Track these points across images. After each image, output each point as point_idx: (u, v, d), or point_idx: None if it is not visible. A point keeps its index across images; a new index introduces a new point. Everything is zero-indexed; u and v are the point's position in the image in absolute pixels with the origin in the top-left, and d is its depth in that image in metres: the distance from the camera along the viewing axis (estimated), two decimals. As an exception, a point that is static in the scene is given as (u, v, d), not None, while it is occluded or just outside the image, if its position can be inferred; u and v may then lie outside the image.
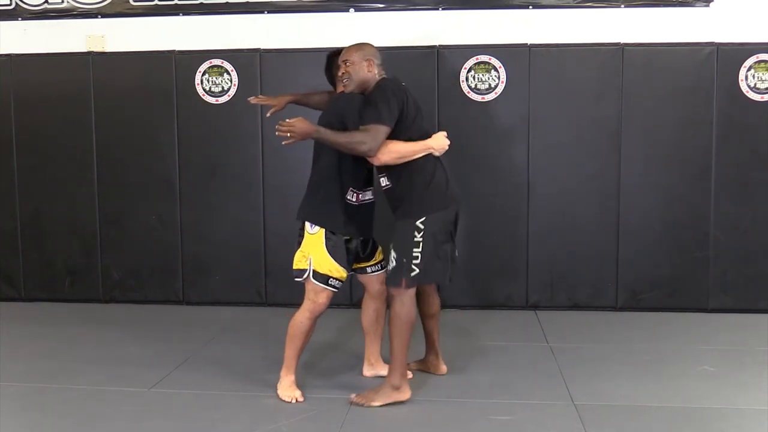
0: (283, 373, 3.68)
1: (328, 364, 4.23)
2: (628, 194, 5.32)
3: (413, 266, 3.46)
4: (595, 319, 5.21)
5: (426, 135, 3.57)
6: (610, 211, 5.36)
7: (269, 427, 3.29)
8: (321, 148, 3.64)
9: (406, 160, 3.49)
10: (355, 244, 3.67)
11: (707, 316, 5.29)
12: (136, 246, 5.71)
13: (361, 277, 3.86)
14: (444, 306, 5.49)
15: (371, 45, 3.74)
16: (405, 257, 3.47)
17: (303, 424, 3.34)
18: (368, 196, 3.70)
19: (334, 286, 3.59)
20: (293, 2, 5.55)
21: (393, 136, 3.44)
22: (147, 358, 4.34)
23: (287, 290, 5.59)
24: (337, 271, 3.57)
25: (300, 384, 3.75)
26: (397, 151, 3.46)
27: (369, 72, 3.61)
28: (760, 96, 5.23)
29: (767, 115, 5.23)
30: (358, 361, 4.07)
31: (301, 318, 3.62)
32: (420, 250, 3.45)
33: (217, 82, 5.53)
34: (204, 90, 5.54)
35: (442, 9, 5.47)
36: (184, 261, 5.68)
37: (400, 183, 3.54)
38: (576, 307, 5.41)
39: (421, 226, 3.45)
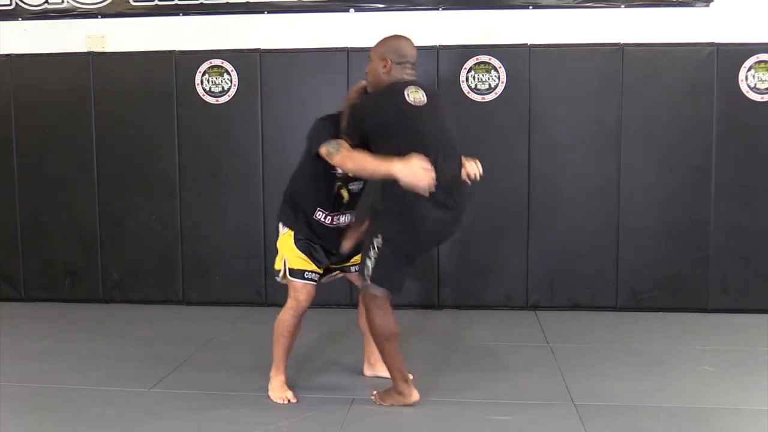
0: (272, 373, 3.69)
1: (328, 364, 4.23)
2: (628, 194, 5.32)
3: (370, 262, 3.35)
4: (595, 319, 5.21)
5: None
6: (610, 211, 5.36)
7: (269, 427, 3.29)
8: (303, 159, 3.61)
9: (365, 176, 3.37)
10: (320, 248, 3.64)
11: (707, 316, 5.29)
12: (136, 246, 5.71)
13: (349, 277, 3.84)
14: (444, 306, 5.52)
15: (398, 39, 3.47)
16: (366, 255, 3.37)
17: (303, 424, 3.34)
18: (343, 220, 3.63)
19: (311, 279, 3.59)
20: (293, 2, 5.55)
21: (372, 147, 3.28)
22: (147, 358, 4.34)
23: (287, 290, 5.60)
24: (309, 264, 3.58)
25: (300, 384, 3.75)
26: (359, 164, 3.25)
27: (384, 73, 3.38)
28: (760, 96, 5.23)
29: (767, 115, 5.24)
30: (358, 360, 4.07)
31: (285, 316, 3.62)
32: (376, 255, 3.32)
33: (217, 82, 5.53)
34: (204, 90, 5.54)
35: (442, 9, 5.47)
36: (184, 261, 5.68)
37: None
38: (576, 307, 5.41)
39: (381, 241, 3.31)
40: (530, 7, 5.40)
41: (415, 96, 3.28)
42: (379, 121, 3.26)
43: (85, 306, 5.69)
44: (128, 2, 5.64)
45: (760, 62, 5.21)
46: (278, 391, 3.63)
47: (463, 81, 5.35)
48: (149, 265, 5.72)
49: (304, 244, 3.58)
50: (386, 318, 3.42)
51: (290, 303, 3.62)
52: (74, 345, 4.68)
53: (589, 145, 5.34)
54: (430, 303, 5.52)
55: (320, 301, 5.55)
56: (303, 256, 3.56)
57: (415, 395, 3.50)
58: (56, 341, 4.75)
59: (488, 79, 5.33)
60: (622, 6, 5.36)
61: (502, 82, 5.31)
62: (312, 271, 3.58)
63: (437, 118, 3.32)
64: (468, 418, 3.43)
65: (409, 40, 3.46)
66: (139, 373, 4.04)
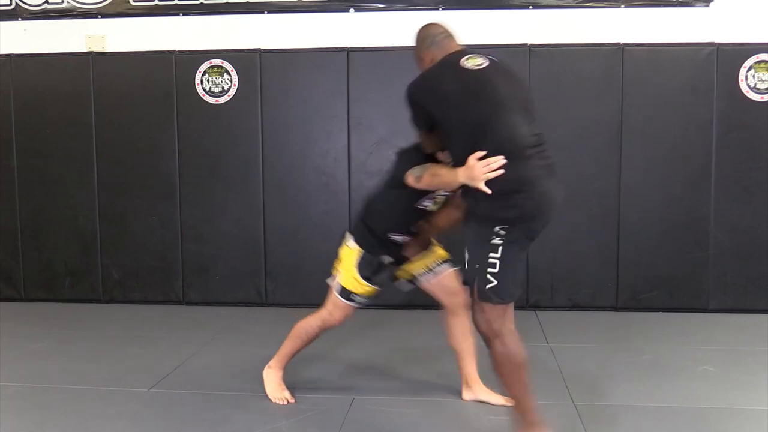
0: (272, 363, 3.63)
1: (328, 364, 4.22)
2: (628, 194, 5.32)
3: (489, 276, 2.78)
4: (595, 320, 5.21)
5: (487, 123, 2.76)
6: (610, 211, 5.36)
7: (268, 427, 3.29)
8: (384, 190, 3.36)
9: (435, 187, 3.09)
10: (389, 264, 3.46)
11: (707, 316, 5.29)
12: (136, 246, 5.71)
13: (423, 288, 3.59)
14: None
15: (421, 30, 3.18)
16: (478, 258, 2.80)
17: (303, 425, 3.33)
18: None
19: (355, 301, 3.42)
20: (293, 2, 5.55)
21: (445, 136, 2.89)
22: (147, 358, 4.34)
23: (287, 290, 5.61)
24: (362, 286, 3.38)
25: (300, 384, 3.75)
26: (439, 178, 2.97)
27: (429, 64, 3.03)
28: (760, 96, 5.23)
29: (767, 115, 5.24)
30: (358, 359, 4.06)
31: (312, 323, 3.50)
32: (498, 256, 2.76)
33: (217, 82, 5.53)
34: (204, 90, 5.54)
35: (442, 9, 5.47)
36: (184, 261, 5.68)
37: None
38: (576, 307, 5.41)
39: (502, 232, 2.76)
40: (530, 7, 5.40)
41: (474, 61, 2.89)
42: (440, 93, 2.83)
43: (85, 306, 5.69)
44: (128, 2, 5.64)
45: (760, 62, 5.22)
46: (276, 390, 3.58)
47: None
48: (149, 265, 5.72)
49: (367, 263, 3.36)
50: (512, 341, 2.87)
51: (323, 313, 3.48)
52: (74, 345, 4.68)
53: (589, 145, 5.34)
54: (429, 303, 5.51)
55: (320, 301, 5.57)
56: (360, 279, 3.36)
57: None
58: (56, 341, 4.75)
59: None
60: (622, 6, 5.36)
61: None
62: (362, 296, 3.41)
63: (507, 77, 2.91)
64: (468, 417, 3.43)
65: (430, 23, 3.19)
66: (139, 373, 4.04)
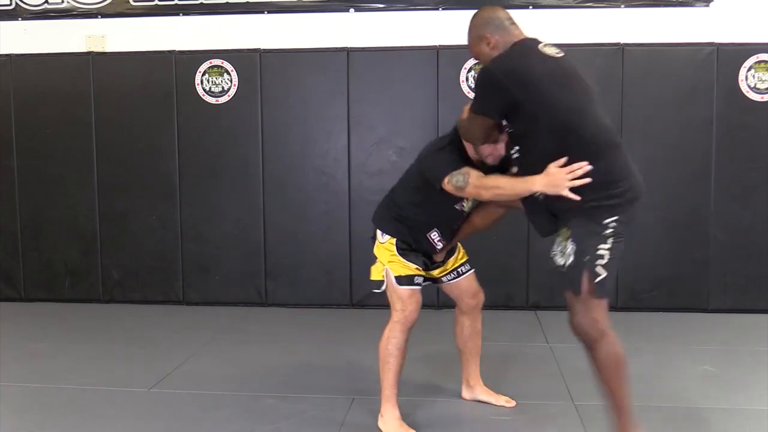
0: (384, 408, 3.25)
1: (328, 364, 4.22)
2: (628, 194, 5.31)
3: (598, 269, 2.69)
4: (595, 319, 5.19)
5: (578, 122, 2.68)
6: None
7: (268, 427, 3.29)
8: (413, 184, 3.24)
9: (503, 200, 3.01)
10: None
11: (707, 316, 5.29)
12: (136, 246, 5.71)
13: (444, 288, 3.53)
14: (444, 306, 5.51)
15: (482, 12, 2.96)
16: (589, 250, 2.69)
17: (302, 425, 3.33)
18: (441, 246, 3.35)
19: (420, 284, 3.25)
20: (293, 2, 5.55)
21: (527, 129, 2.72)
22: (147, 359, 4.34)
23: (287, 290, 5.61)
24: (417, 270, 3.25)
25: (300, 384, 3.75)
26: (495, 190, 2.90)
27: (494, 48, 2.83)
28: (760, 96, 5.23)
29: (767, 115, 5.24)
30: (357, 360, 4.06)
31: (393, 333, 3.20)
32: (609, 247, 2.68)
33: (217, 82, 5.53)
34: (204, 90, 5.54)
35: (442, 9, 5.47)
36: (184, 261, 5.68)
37: None
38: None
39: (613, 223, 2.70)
40: (530, 7, 5.40)
41: (552, 49, 2.80)
42: (530, 76, 2.66)
43: (85, 306, 5.69)
44: (128, 2, 5.64)
45: (760, 62, 5.22)
46: (395, 428, 3.21)
47: (463, 81, 5.34)
48: (149, 265, 5.72)
49: (407, 251, 3.24)
50: (616, 340, 2.75)
51: (397, 316, 3.21)
52: (74, 345, 4.68)
53: (589, 145, 5.33)
54: (430, 303, 5.51)
55: (320, 301, 5.58)
56: (408, 263, 3.22)
57: None
58: (56, 341, 4.75)
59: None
60: (622, 6, 5.36)
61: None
62: (420, 276, 3.25)
63: (578, 69, 2.83)
64: (469, 417, 3.43)
65: (493, 7, 2.98)
66: (139, 374, 4.04)
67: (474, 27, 2.91)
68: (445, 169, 3.01)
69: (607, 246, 2.68)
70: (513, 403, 3.54)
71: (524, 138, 2.77)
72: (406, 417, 3.32)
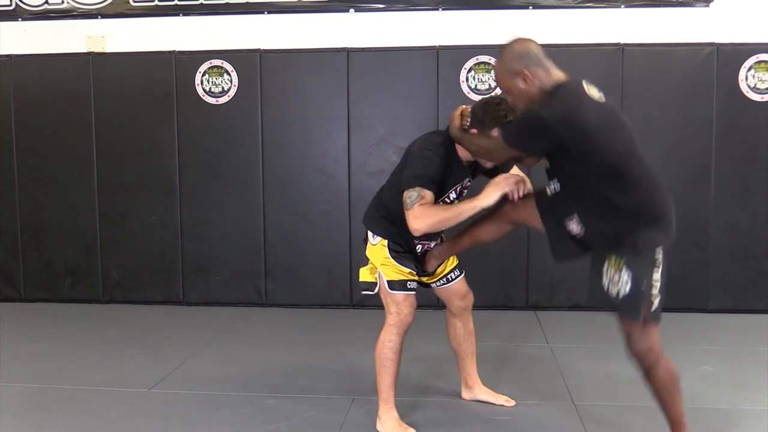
0: (382, 410, 3.25)
1: (328, 364, 4.22)
2: (628, 194, 5.31)
3: (653, 297, 2.81)
4: (595, 320, 5.16)
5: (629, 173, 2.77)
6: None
7: (268, 427, 3.29)
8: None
9: (448, 226, 3.03)
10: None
11: (707, 316, 5.30)
12: (136, 246, 5.71)
13: (434, 291, 3.53)
14: (444, 306, 5.52)
15: (514, 45, 2.84)
16: (645, 278, 2.79)
17: (302, 425, 3.34)
18: (433, 245, 3.38)
19: (413, 289, 3.24)
20: (293, 2, 5.55)
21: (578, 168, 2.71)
22: (147, 359, 4.34)
23: (287, 290, 5.62)
24: (411, 274, 3.24)
25: (300, 385, 3.75)
26: (434, 222, 2.96)
27: (530, 85, 2.74)
28: (760, 96, 5.23)
29: (767, 115, 5.24)
30: (356, 360, 4.06)
31: (388, 336, 3.20)
32: (659, 276, 2.83)
33: (217, 83, 5.53)
34: (204, 90, 5.54)
35: (442, 9, 5.47)
36: (184, 261, 5.68)
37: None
38: (576, 307, 5.40)
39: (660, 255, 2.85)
40: (530, 8, 5.40)
41: (595, 92, 2.76)
42: (583, 127, 2.61)
43: (85, 306, 5.69)
44: (128, 2, 5.64)
45: (760, 62, 5.22)
46: (395, 429, 3.22)
47: (463, 81, 5.35)
48: (149, 266, 5.72)
49: (399, 254, 3.23)
50: (670, 361, 2.89)
51: (392, 320, 3.21)
52: (74, 345, 4.68)
53: (589, 145, 5.33)
54: (430, 303, 5.52)
55: (320, 301, 5.58)
56: (401, 266, 3.21)
57: None
58: (56, 341, 4.75)
59: (488, 79, 5.33)
60: (622, 6, 5.36)
61: (503, 83, 5.31)
62: (414, 281, 3.25)
63: (619, 113, 2.86)
64: (468, 418, 3.43)
65: (524, 38, 2.88)
66: (139, 374, 4.04)
67: (507, 60, 2.79)
68: (413, 181, 3.00)
69: (658, 274, 2.82)
70: (513, 403, 3.54)
71: (565, 173, 2.79)
72: (404, 417, 3.32)
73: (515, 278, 5.47)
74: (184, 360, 4.30)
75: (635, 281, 2.75)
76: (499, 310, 5.45)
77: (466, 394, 3.63)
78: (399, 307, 3.20)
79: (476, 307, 5.48)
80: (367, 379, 3.92)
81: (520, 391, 3.71)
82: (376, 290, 3.27)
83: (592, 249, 2.88)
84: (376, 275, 3.25)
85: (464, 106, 3.15)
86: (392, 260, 3.21)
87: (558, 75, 2.80)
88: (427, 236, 3.23)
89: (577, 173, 2.73)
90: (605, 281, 2.80)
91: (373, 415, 3.35)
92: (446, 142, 3.12)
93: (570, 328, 4.98)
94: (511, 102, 2.92)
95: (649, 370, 2.85)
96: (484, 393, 3.59)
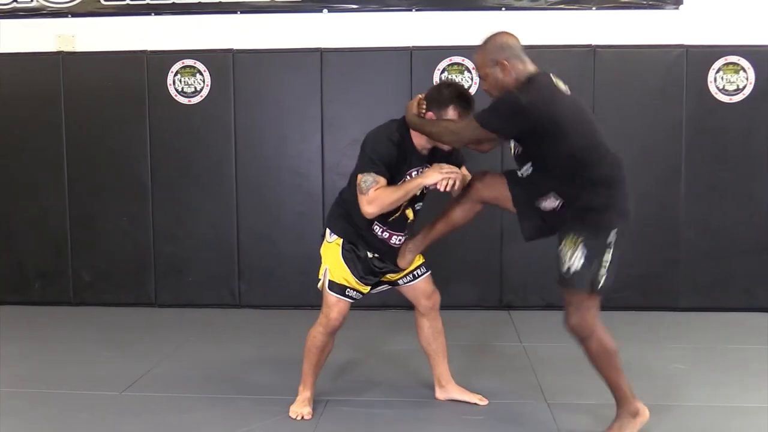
0: (300, 388, 3.48)
1: (301, 365, 4.20)
2: (599, 195, 5.36)
3: (601, 274, 3.00)
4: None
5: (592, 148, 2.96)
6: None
7: (243, 429, 3.28)
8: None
9: (396, 205, 3.17)
10: (374, 260, 3.37)
11: (677, 315, 5.36)
12: (108, 248, 5.65)
13: (400, 290, 3.55)
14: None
15: (496, 37, 3.07)
16: (596, 258, 2.96)
17: (276, 427, 3.32)
18: (401, 240, 3.38)
19: (351, 297, 3.33)
20: (266, 2, 5.53)
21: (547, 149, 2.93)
22: (119, 361, 4.30)
23: (261, 291, 5.59)
24: (352, 282, 3.31)
25: (275, 385, 3.74)
26: (384, 203, 3.10)
27: (507, 76, 2.99)
28: (728, 98, 5.31)
29: (736, 116, 5.31)
30: (334, 362, 4.04)
31: (314, 333, 3.39)
32: (610, 255, 2.98)
33: (189, 83, 5.49)
34: (176, 90, 5.50)
35: (416, 10, 5.49)
36: (157, 262, 5.63)
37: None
38: (549, 307, 5.43)
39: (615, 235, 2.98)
40: (503, 9, 5.43)
41: (562, 85, 3.02)
42: (556, 116, 2.87)
43: (55, 309, 5.61)
44: (99, 1, 5.58)
45: (728, 64, 5.29)
46: (298, 405, 3.43)
47: (436, 82, 5.36)
48: (121, 267, 5.66)
49: (352, 257, 3.30)
50: (606, 334, 3.08)
51: (321, 319, 3.37)
52: (44, 348, 4.62)
53: (562, 146, 5.37)
54: (404, 303, 5.52)
55: (294, 302, 5.56)
56: (348, 271, 3.29)
57: (646, 410, 3.12)
58: (26, 344, 4.68)
59: (461, 80, 5.35)
60: (594, 8, 5.41)
61: (475, 83, 5.33)
62: (354, 290, 3.32)
63: (584, 105, 3.12)
64: (442, 417, 3.44)
65: (505, 32, 3.11)
66: (111, 376, 3.99)
67: (489, 50, 3.03)
68: (368, 166, 3.12)
69: (609, 254, 2.97)
70: (486, 401, 3.56)
71: (539, 158, 2.99)
72: (379, 417, 3.37)
73: (488, 278, 5.50)
74: (156, 362, 4.26)
75: (587, 260, 2.94)
76: (472, 309, 5.47)
77: (439, 394, 3.64)
78: (329, 309, 3.33)
79: (449, 306, 5.51)
80: (341, 380, 3.93)
81: (494, 390, 3.73)
82: (319, 285, 3.37)
83: (558, 228, 3.05)
84: (323, 271, 3.34)
85: (419, 95, 3.24)
86: (343, 263, 3.30)
87: (532, 68, 3.04)
88: (397, 225, 3.31)
89: (548, 155, 2.95)
90: (560, 257, 3.00)
91: (347, 416, 3.39)
92: (401, 128, 3.21)
93: (543, 327, 5.00)
94: (484, 87, 3.10)
95: (582, 342, 3.08)
96: (457, 392, 3.61)
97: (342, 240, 3.30)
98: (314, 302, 5.40)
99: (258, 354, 4.47)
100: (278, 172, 5.55)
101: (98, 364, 4.27)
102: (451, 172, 3.11)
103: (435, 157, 3.27)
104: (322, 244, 3.41)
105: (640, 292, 5.44)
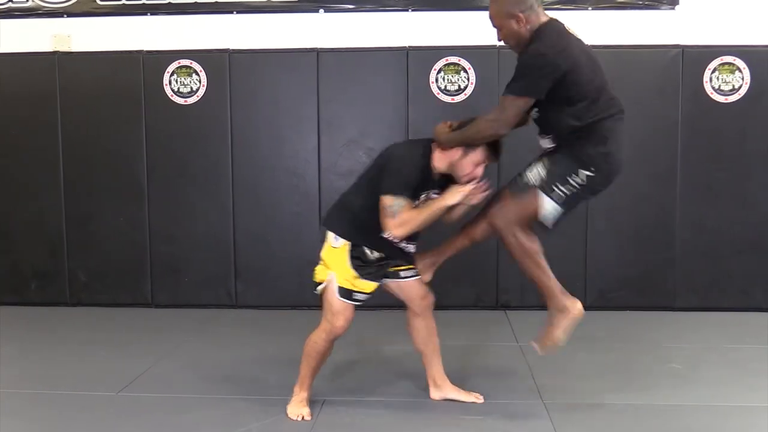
0: (296, 389, 3.47)
1: (298, 366, 4.18)
2: (595, 194, 5.37)
3: (560, 189, 3.12)
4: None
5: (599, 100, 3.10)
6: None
7: (240, 430, 3.27)
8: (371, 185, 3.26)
9: (422, 227, 3.21)
10: (381, 258, 3.36)
11: (674, 314, 5.37)
12: (104, 248, 5.64)
13: (395, 286, 3.52)
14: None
15: None
16: (556, 182, 3.11)
17: (273, 427, 3.32)
18: (410, 248, 3.42)
19: (358, 300, 3.33)
20: (262, 3, 5.53)
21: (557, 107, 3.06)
22: (115, 362, 4.29)
23: (258, 291, 5.59)
24: (360, 284, 3.31)
25: (272, 386, 3.74)
26: (413, 226, 3.15)
27: (524, 26, 3.08)
28: (724, 98, 5.32)
29: (731, 116, 5.32)
30: (332, 362, 4.04)
31: (317, 339, 3.37)
32: (577, 186, 3.10)
33: (185, 83, 5.49)
34: (172, 90, 5.49)
35: (412, 10, 5.49)
36: (153, 263, 5.63)
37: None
38: (546, 306, 5.42)
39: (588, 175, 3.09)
40: (497, 9, 5.42)
41: (573, 30, 3.16)
42: (576, 59, 3.00)
43: (51, 309, 5.61)
44: (95, 1, 5.58)
45: (724, 64, 5.30)
46: (296, 406, 3.43)
47: (432, 82, 5.36)
48: (117, 268, 5.66)
49: (360, 262, 3.29)
50: (524, 236, 3.18)
51: (324, 325, 3.34)
52: (41, 349, 4.61)
53: (558, 146, 5.38)
54: (400, 303, 5.52)
55: (291, 302, 5.56)
56: (356, 275, 3.28)
57: (579, 304, 3.24)
58: (22, 345, 4.68)
59: (458, 80, 5.35)
60: (590, 8, 5.42)
61: (472, 83, 5.34)
62: (360, 292, 3.32)
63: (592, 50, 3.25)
64: (438, 418, 3.44)
65: None
66: (107, 377, 3.99)
67: (505, 3, 3.10)
68: (398, 189, 3.14)
69: (573, 184, 3.10)
70: (482, 400, 3.56)
71: (549, 103, 3.05)
72: (375, 417, 3.38)
73: (485, 278, 5.50)
74: (153, 362, 4.26)
75: (547, 176, 3.12)
76: (469, 309, 5.48)
77: (434, 394, 3.64)
78: (335, 316, 3.31)
79: (446, 306, 5.52)
80: (338, 380, 3.93)
81: (491, 390, 3.72)
82: (320, 290, 3.37)
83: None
84: (329, 277, 3.32)
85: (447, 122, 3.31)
86: (350, 268, 3.28)
87: (544, 18, 3.11)
88: (411, 240, 3.37)
89: (558, 101, 3.03)
90: (526, 173, 3.22)
91: (343, 416, 3.39)
92: (426, 154, 3.24)
93: (539, 328, 4.99)
94: (500, 37, 3.19)
95: (498, 233, 3.23)
96: (452, 391, 3.61)
97: (350, 244, 3.29)
98: (311, 302, 5.42)
99: (255, 354, 4.47)
100: (275, 172, 5.54)
101: (95, 364, 4.26)
102: (471, 191, 3.20)
103: (448, 183, 3.30)
104: (323, 248, 3.37)
105: (636, 291, 5.44)
